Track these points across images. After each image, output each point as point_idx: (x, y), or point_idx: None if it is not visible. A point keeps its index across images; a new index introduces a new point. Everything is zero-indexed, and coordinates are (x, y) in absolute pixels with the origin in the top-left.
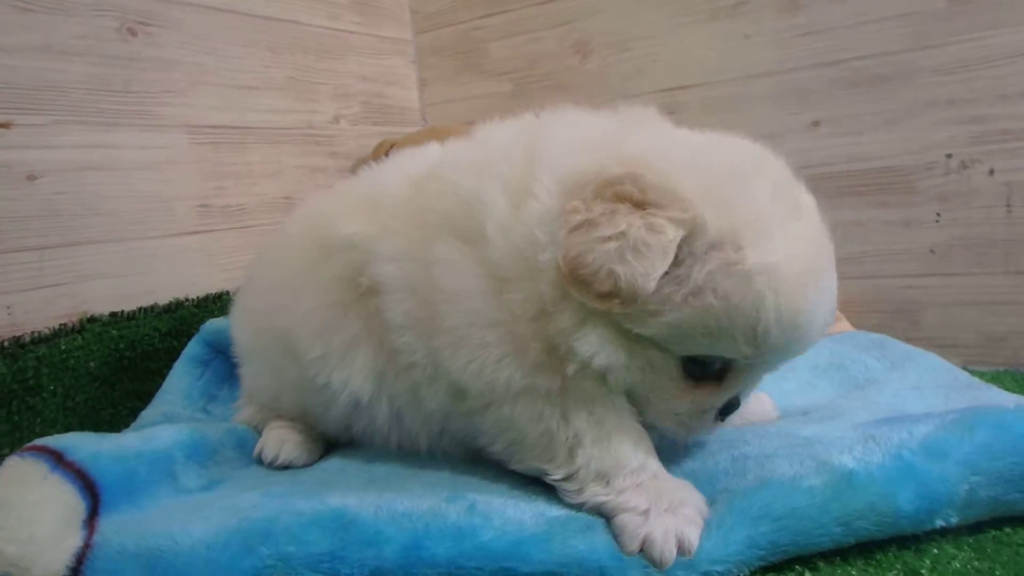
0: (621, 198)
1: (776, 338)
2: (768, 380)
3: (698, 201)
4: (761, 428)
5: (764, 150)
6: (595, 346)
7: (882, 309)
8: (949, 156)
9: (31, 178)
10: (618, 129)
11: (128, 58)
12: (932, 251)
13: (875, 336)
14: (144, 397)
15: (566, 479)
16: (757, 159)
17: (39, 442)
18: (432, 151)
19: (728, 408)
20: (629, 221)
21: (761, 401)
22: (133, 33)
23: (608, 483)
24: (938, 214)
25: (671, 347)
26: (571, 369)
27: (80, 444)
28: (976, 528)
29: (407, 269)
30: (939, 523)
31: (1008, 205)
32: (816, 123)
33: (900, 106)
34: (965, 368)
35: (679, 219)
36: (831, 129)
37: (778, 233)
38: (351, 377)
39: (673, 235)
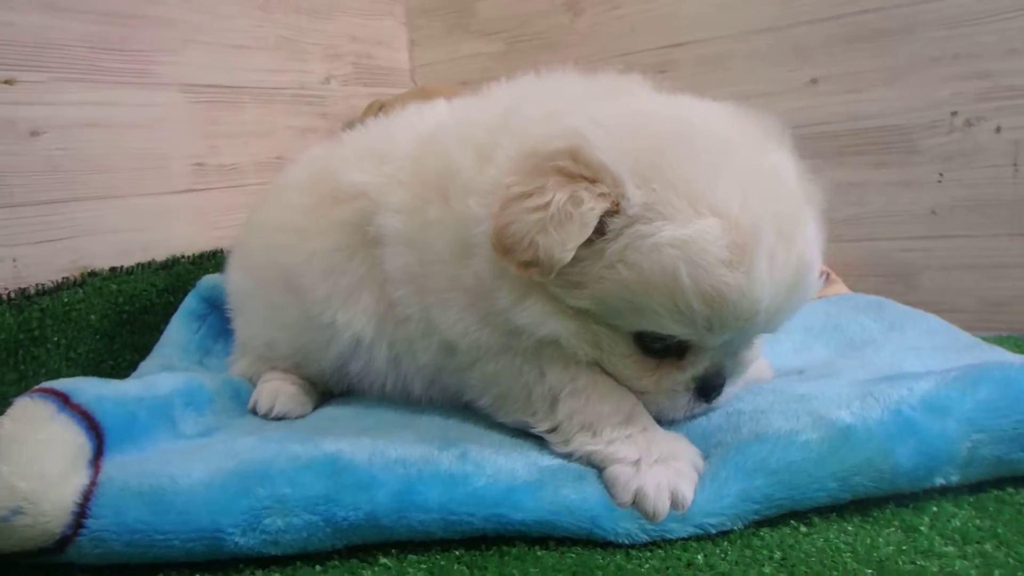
0: (557, 172)
1: (707, 317)
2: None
3: (625, 176)
4: (755, 386)
5: (720, 119)
6: (536, 318)
7: (879, 272)
8: (954, 114)
9: (34, 134)
10: (587, 98)
11: (126, 15)
12: (933, 212)
13: (872, 298)
14: (142, 350)
15: (551, 431)
16: (700, 130)
17: (46, 384)
18: (440, 108)
19: (709, 389)
20: (556, 194)
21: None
22: None
23: (595, 434)
24: (941, 174)
25: (612, 321)
26: (528, 339)
27: (85, 387)
28: (977, 487)
29: (408, 224)
30: (939, 481)
31: (1015, 164)
32: (814, 80)
33: (902, 62)
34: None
35: (602, 192)
36: (830, 87)
37: (699, 204)
38: (354, 318)
39: (591, 206)
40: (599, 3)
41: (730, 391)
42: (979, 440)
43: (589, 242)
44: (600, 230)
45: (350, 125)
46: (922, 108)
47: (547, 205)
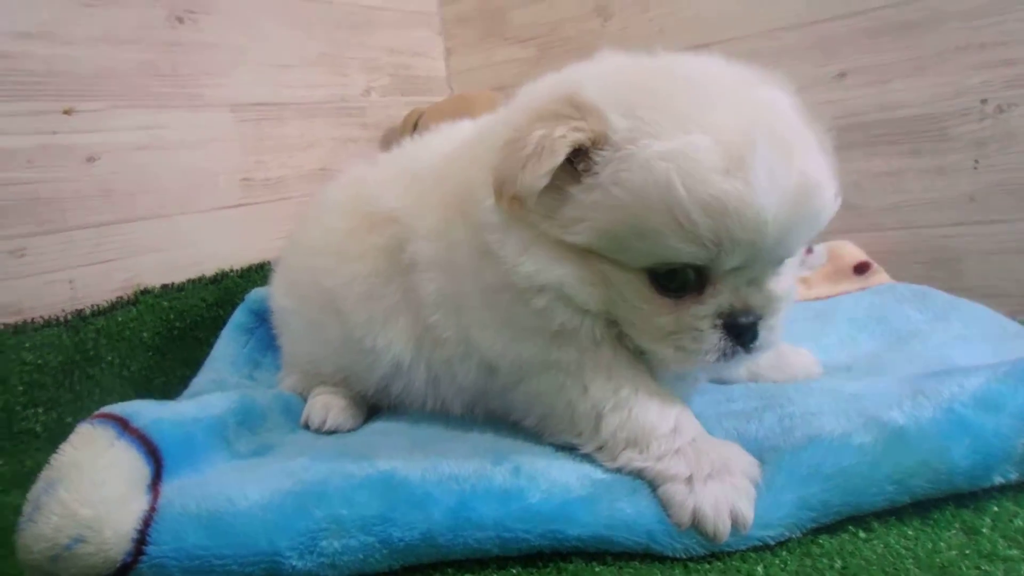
0: (551, 116)
1: (712, 229)
2: (806, 335)
3: (611, 109)
4: (804, 385)
5: (715, 63)
6: (540, 264)
7: (921, 260)
8: (984, 101)
9: (90, 160)
10: None
11: (176, 44)
12: (971, 198)
13: (916, 287)
14: (193, 365)
15: (598, 450)
16: (690, 68)
17: (106, 409)
18: (464, 127)
19: (740, 328)
20: (536, 132)
21: (802, 356)
22: (180, 20)
23: (643, 449)
24: (976, 160)
25: (620, 258)
26: (538, 301)
27: (143, 411)
28: None
29: (438, 248)
30: (997, 479)
31: None
32: (843, 74)
33: (929, 53)
34: (1011, 318)
35: (578, 126)
36: (858, 79)
37: (687, 123)
38: (393, 342)
39: (562, 134)
40: (628, 7)
41: (770, 338)
42: None
43: (579, 179)
44: (589, 168)
45: (391, 133)
46: (952, 96)
47: (530, 142)
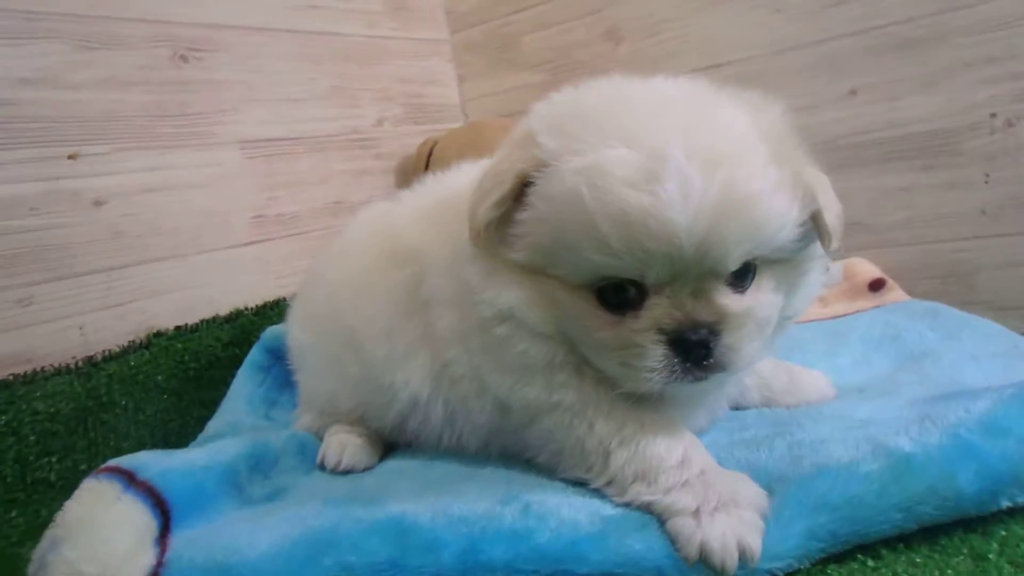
0: (507, 150)
1: (623, 240)
2: (821, 356)
3: (544, 132)
4: (816, 409)
5: (676, 84)
6: (498, 289)
7: (935, 274)
8: (993, 115)
9: (98, 204)
10: None
11: (181, 83)
12: (983, 212)
13: (929, 304)
14: (210, 406)
15: (607, 484)
16: (633, 88)
17: (112, 463)
18: (483, 164)
19: (688, 344)
20: (494, 167)
21: (815, 378)
22: (185, 60)
23: (651, 483)
24: (987, 174)
25: (560, 273)
26: (500, 330)
27: (151, 462)
28: None
29: (453, 282)
30: (1005, 503)
31: None
32: (853, 92)
33: (937, 69)
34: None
35: (525, 156)
36: (868, 96)
37: (610, 139)
38: (411, 378)
39: (508, 166)
40: (638, 31)
41: (730, 356)
42: None
43: (524, 203)
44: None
45: (405, 163)
46: (961, 111)
47: (486, 179)
